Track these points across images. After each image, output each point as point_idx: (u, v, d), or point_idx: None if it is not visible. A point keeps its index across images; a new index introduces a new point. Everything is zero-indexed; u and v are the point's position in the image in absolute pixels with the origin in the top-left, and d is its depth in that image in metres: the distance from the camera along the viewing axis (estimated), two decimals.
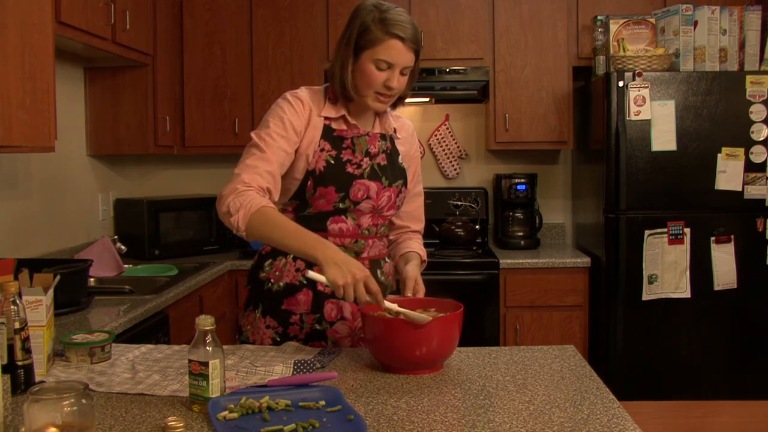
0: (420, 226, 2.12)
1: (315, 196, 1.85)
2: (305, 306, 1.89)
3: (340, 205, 1.87)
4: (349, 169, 1.86)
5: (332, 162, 1.85)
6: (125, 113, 3.64)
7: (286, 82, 3.86)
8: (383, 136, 1.95)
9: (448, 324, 1.61)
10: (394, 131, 1.99)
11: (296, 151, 1.85)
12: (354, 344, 1.93)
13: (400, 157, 1.98)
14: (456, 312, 1.64)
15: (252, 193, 1.71)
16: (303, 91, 1.89)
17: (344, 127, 1.90)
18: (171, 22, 3.86)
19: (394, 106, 1.96)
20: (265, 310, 1.93)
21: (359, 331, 1.91)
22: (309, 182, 1.85)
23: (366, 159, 1.89)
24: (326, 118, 1.88)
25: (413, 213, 2.09)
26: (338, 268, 1.58)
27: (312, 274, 1.65)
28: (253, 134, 1.83)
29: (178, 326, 2.83)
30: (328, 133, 1.87)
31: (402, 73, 1.81)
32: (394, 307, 1.64)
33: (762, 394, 3.29)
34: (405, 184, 1.98)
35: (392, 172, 1.94)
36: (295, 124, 1.83)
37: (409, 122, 2.08)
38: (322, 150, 1.85)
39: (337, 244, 1.86)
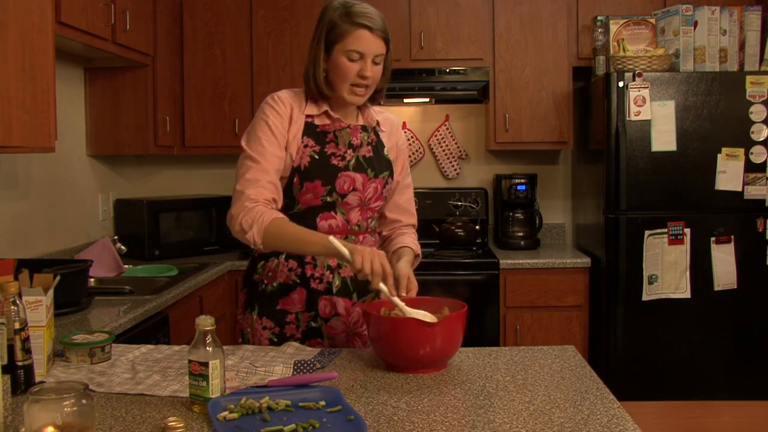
0: (412, 220, 2.11)
1: (302, 191, 1.88)
2: (300, 304, 1.91)
3: (328, 199, 1.88)
4: (334, 162, 1.88)
5: (316, 157, 1.87)
6: (125, 113, 3.64)
7: (286, 82, 3.86)
8: (365, 128, 1.97)
9: (453, 323, 1.61)
10: (377, 123, 2.01)
11: None
12: (349, 339, 1.94)
13: (385, 149, 2.00)
14: (460, 311, 1.64)
15: (260, 207, 1.79)
16: (284, 92, 1.93)
17: (327, 121, 1.92)
18: (171, 23, 3.86)
19: (372, 100, 1.98)
20: (261, 311, 1.94)
21: (354, 326, 1.93)
22: (295, 179, 1.88)
23: (350, 151, 1.91)
24: (308, 116, 1.91)
25: (404, 205, 2.09)
26: (362, 249, 1.66)
27: (334, 239, 1.68)
28: (244, 145, 1.87)
29: (178, 326, 2.83)
30: (310, 129, 1.90)
31: (375, 62, 1.85)
32: (402, 305, 1.65)
33: (762, 394, 3.29)
34: (391, 175, 1.99)
35: (378, 163, 1.95)
36: (279, 126, 1.87)
37: (393, 116, 2.09)
38: (306, 146, 1.88)
39: None
